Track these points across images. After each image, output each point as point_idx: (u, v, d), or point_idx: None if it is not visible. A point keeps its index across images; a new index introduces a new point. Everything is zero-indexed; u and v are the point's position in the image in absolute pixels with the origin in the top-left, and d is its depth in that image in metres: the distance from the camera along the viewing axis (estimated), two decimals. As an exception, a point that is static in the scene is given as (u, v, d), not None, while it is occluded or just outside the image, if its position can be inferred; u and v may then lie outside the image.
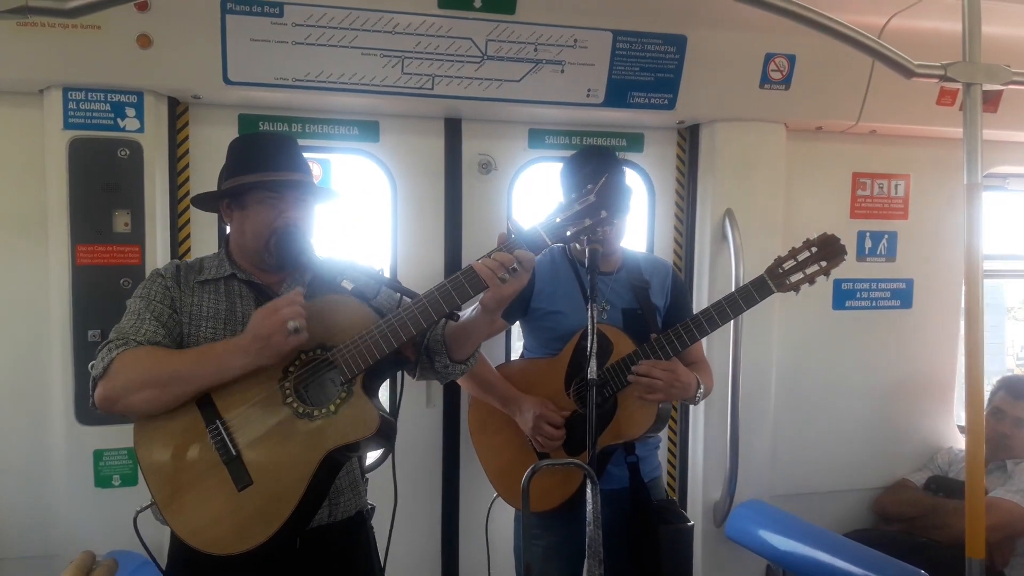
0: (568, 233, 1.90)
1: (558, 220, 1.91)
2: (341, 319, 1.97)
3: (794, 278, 2.41)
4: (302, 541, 2.03)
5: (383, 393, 2.13)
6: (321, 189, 2.21)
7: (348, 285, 2.00)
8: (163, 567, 2.17)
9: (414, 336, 1.93)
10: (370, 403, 1.92)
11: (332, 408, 1.91)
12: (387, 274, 2.32)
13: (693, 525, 2.59)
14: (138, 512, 2.11)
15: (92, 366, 1.96)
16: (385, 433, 1.93)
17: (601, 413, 2.41)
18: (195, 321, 2.05)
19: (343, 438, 1.90)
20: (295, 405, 1.92)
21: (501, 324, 2.73)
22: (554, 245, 1.94)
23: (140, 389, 1.90)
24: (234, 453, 1.90)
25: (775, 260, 2.43)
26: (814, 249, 2.41)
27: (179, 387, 1.90)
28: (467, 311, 2.04)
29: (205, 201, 2.27)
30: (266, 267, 2.13)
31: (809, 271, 2.40)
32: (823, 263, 2.41)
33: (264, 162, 2.10)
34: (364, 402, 1.91)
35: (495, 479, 2.75)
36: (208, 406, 1.94)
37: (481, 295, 1.95)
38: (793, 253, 2.43)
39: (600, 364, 2.39)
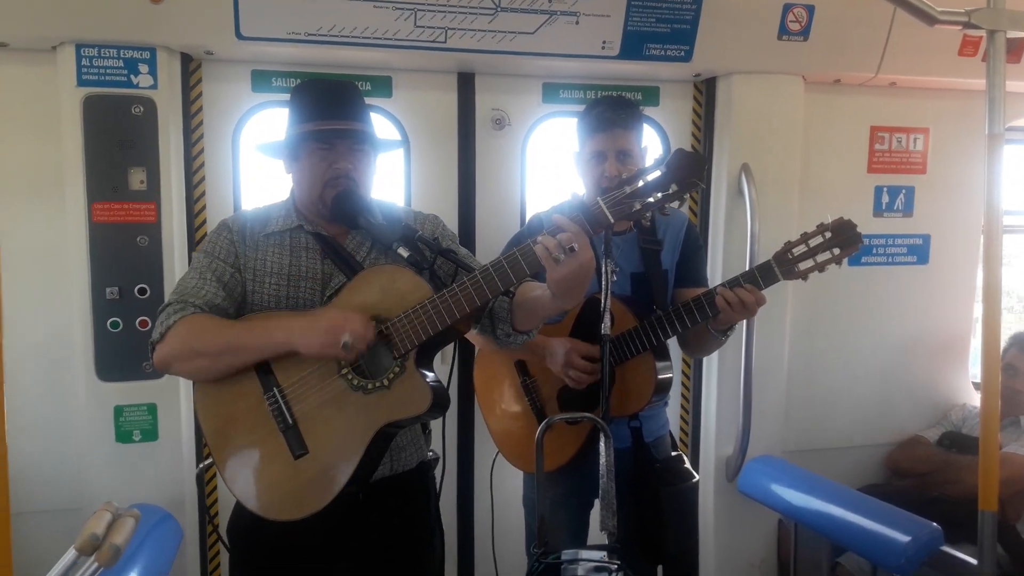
0: (634, 209, 1.74)
1: (622, 194, 1.74)
2: (395, 291, 1.93)
3: (803, 265, 2.28)
4: (365, 494, 2.06)
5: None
6: (380, 139, 2.15)
7: (404, 252, 1.96)
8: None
9: (468, 313, 1.87)
10: (422, 379, 1.90)
11: (386, 383, 1.90)
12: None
13: (697, 481, 2.58)
14: (201, 469, 2.25)
15: (156, 324, 1.96)
16: (438, 406, 1.93)
17: (599, 386, 2.39)
18: (259, 278, 2.04)
19: (395, 414, 1.90)
20: (350, 377, 1.91)
21: None
22: (619, 221, 1.77)
23: (192, 358, 1.92)
24: (291, 422, 1.92)
25: (785, 244, 2.31)
26: (828, 234, 2.26)
27: (229, 359, 1.92)
28: (536, 288, 1.96)
29: (268, 152, 2.25)
30: (325, 219, 2.10)
31: (820, 258, 2.26)
32: (836, 250, 2.25)
33: (316, 111, 2.05)
34: (416, 378, 1.90)
35: (498, 440, 2.77)
36: (267, 373, 1.95)
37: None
38: (805, 238, 2.28)
39: (600, 337, 2.37)
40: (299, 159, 2.08)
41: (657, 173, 1.73)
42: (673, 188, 1.73)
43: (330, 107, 2.05)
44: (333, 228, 2.11)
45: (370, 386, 1.91)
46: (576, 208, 1.76)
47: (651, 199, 1.73)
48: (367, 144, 2.10)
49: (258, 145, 2.24)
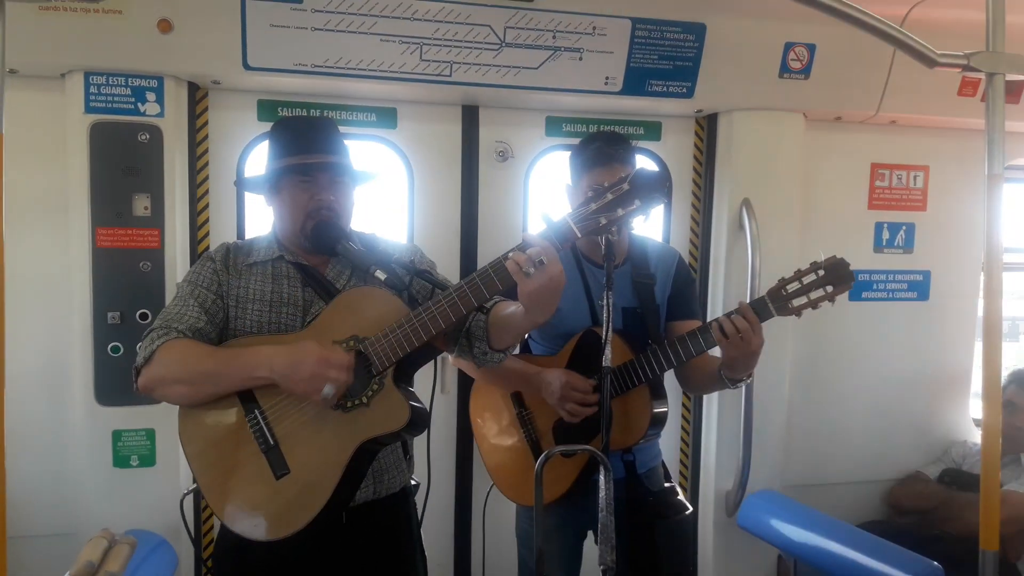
0: (600, 224, 1.82)
1: (588, 211, 1.83)
2: (373, 311, 1.98)
3: (797, 302, 2.30)
4: (348, 516, 2.08)
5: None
6: (357, 171, 2.20)
7: (381, 275, 2.00)
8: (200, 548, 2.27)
9: (444, 329, 1.92)
10: (400, 396, 1.93)
11: (364, 400, 1.93)
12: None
13: (691, 513, 2.57)
14: (184, 495, 2.30)
15: (139, 349, 2.02)
16: (416, 424, 1.96)
17: (596, 419, 2.38)
18: (242, 304, 2.08)
19: (374, 430, 1.93)
20: None
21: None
22: (585, 237, 1.86)
23: (174, 385, 1.96)
24: (272, 442, 1.95)
25: (779, 281, 2.34)
26: (821, 272, 2.29)
27: (211, 388, 1.96)
28: (511, 305, 2.00)
29: (248, 187, 2.30)
30: (306, 250, 2.15)
31: (813, 296, 2.28)
32: (829, 288, 2.28)
33: (296, 146, 2.10)
34: (395, 395, 1.93)
35: (493, 472, 2.76)
36: (247, 395, 1.98)
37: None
38: (799, 275, 2.31)
39: (596, 370, 2.37)
40: (280, 192, 2.13)
41: (622, 190, 1.81)
42: (636, 203, 1.81)
43: (310, 141, 2.11)
44: (314, 258, 2.16)
45: (349, 404, 1.93)
46: (547, 227, 1.84)
47: (616, 214, 1.82)
48: (346, 176, 2.16)
49: (237, 180, 2.28)
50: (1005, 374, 3.64)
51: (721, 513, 3.46)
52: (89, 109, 2.79)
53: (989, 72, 1.87)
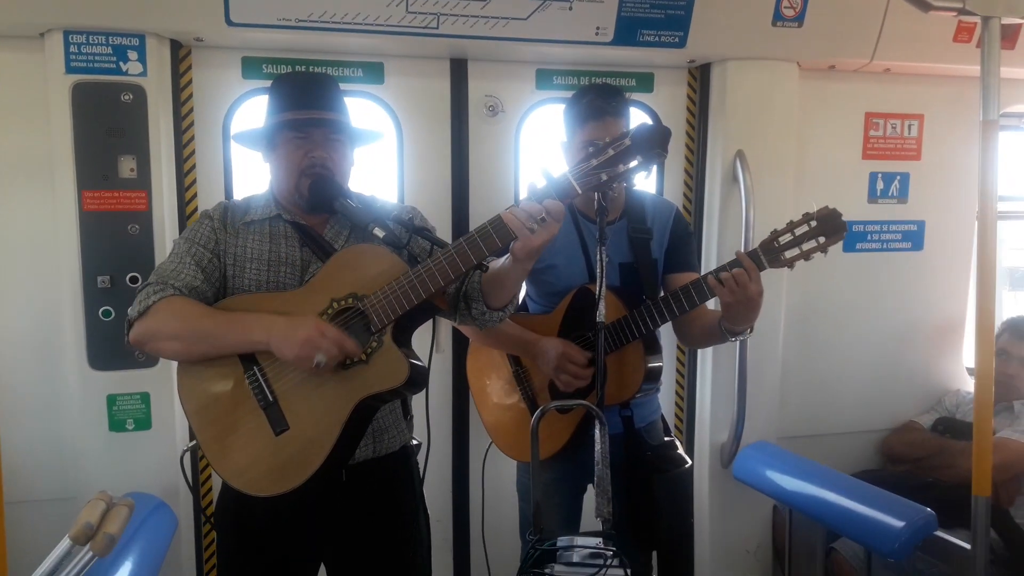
0: (601, 180, 1.82)
1: (589, 166, 1.83)
2: (372, 269, 1.97)
3: (789, 254, 2.29)
4: (348, 474, 2.10)
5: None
6: (356, 129, 2.18)
7: (379, 233, 1.99)
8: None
9: (443, 286, 1.92)
10: (400, 353, 1.94)
11: (364, 357, 1.93)
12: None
13: (690, 466, 2.59)
14: (184, 451, 2.33)
15: (132, 306, 2.01)
16: (415, 381, 1.97)
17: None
18: (239, 263, 2.08)
19: (373, 387, 1.94)
20: None
21: None
22: (585, 192, 1.86)
23: (169, 339, 1.97)
24: (271, 399, 1.96)
25: (771, 233, 2.32)
26: (813, 223, 2.27)
27: (205, 348, 1.96)
28: (499, 260, 2.01)
29: (243, 141, 2.28)
30: (302, 209, 2.13)
31: (806, 247, 2.28)
32: (821, 239, 2.27)
33: (292, 100, 2.09)
34: (394, 352, 1.94)
35: (491, 429, 2.78)
36: (247, 352, 1.98)
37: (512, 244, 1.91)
38: (791, 226, 2.29)
39: (589, 327, 2.37)
40: (276, 148, 2.12)
41: (623, 145, 1.81)
42: (638, 159, 1.82)
43: (306, 97, 2.09)
44: (311, 218, 2.14)
45: (348, 361, 1.93)
46: (547, 182, 1.84)
47: (617, 170, 1.82)
48: (343, 134, 2.13)
49: (235, 135, 2.27)
50: (999, 323, 3.66)
51: (716, 465, 3.49)
52: (70, 69, 2.73)
53: (985, 16, 1.85)
